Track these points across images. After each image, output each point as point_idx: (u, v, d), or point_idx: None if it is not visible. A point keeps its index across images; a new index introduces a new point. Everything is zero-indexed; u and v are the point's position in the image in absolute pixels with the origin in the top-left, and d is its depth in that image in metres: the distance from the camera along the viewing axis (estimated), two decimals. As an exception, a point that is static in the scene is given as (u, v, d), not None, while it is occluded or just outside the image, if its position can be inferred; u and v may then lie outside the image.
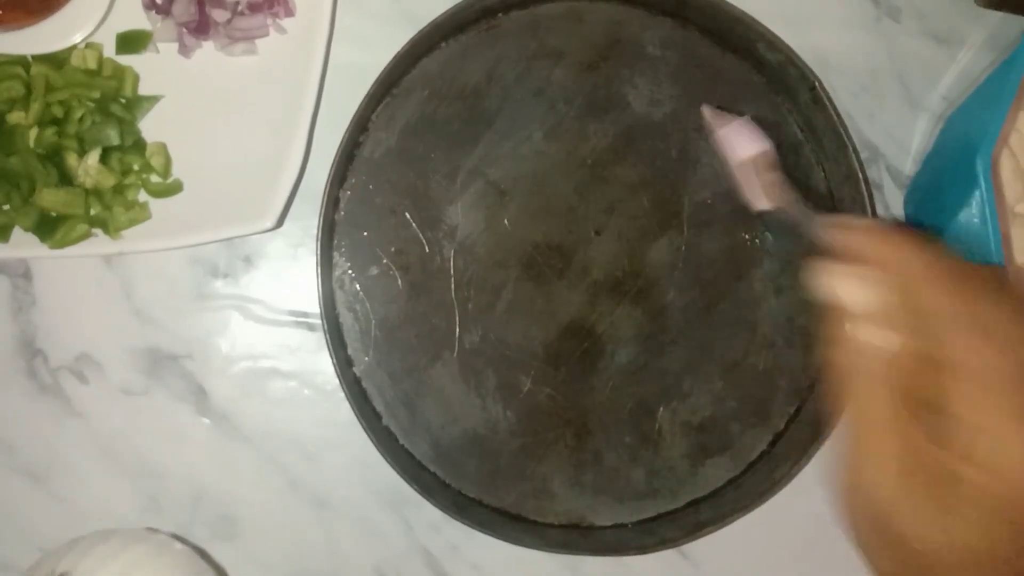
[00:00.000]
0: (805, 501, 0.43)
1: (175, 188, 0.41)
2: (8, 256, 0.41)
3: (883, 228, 0.29)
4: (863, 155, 0.47)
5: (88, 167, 0.40)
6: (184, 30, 0.41)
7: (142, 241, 0.41)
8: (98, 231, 0.41)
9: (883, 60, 0.49)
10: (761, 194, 0.35)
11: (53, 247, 0.40)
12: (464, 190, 0.42)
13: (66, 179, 0.40)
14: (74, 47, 0.41)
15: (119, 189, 0.41)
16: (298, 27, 0.41)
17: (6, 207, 0.40)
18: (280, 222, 0.40)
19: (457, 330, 0.42)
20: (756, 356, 0.43)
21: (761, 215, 0.35)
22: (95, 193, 0.40)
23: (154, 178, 0.41)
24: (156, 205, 0.41)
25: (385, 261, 0.42)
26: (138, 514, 0.43)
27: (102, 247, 0.41)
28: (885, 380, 0.27)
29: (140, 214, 0.41)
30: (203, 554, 0.42)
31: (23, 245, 0.41)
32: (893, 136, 0.48)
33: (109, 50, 0.42)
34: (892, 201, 0.48)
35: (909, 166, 0.48)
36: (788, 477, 0.42)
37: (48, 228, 0.40)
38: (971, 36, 0.48)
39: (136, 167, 0.41)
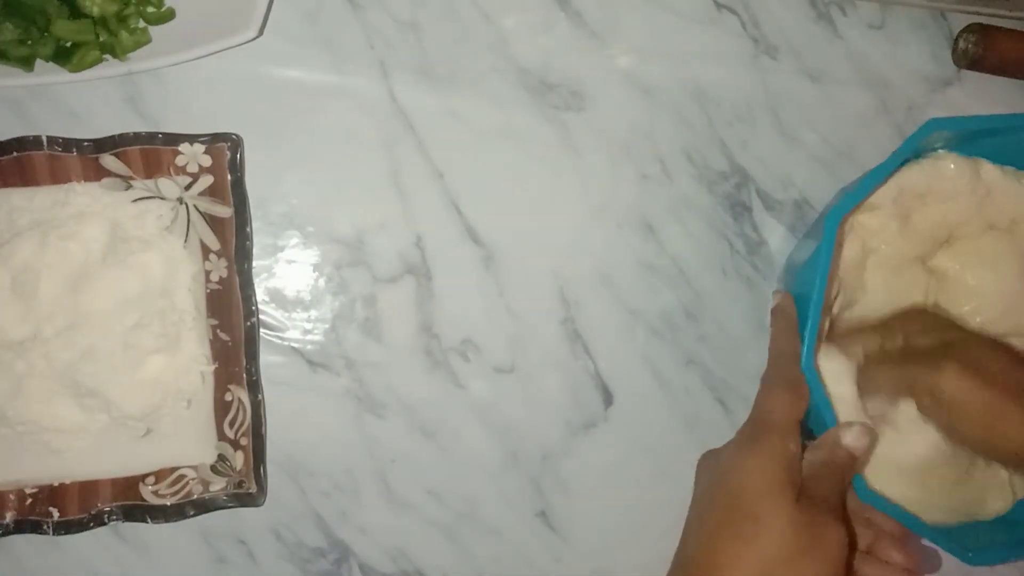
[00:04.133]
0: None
1: (168, 15, 0.49)
2: (35, 83, 0.49)
3: None
4: (734, 180, 0.54)
5: (94, -2, 0.47)
6: None
7: (146, 61, 0.48)
8: (108, 57, 0.49)
9: (758, 93, 0.54)
10: None
11: (72, 71, 0.48)
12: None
13: (76, 12, 0.48)
14: None
15: (122, 18, 0.48)
16: None
17: (28, 42, 0.48)
18: (260, 32, 0.48)
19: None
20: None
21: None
22: (101, 22, 0.48)
23: (150, 8, 0.49)
24: (155, 30, 0.49)
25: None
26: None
27: (113, 69, 0.48)
28: None
29: (142, 37, 0.48)
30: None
31: (46, 73, 0.48)
32: (763, 162, 0.55)
33: None
34: (759, 221, 0.55)
35: (777, 190, 0.55)
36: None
37: (65, 56, 0.48)
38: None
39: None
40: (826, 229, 0.44)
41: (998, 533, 0.49)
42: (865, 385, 0.47)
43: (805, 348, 0.44)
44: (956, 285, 0.51)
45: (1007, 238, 0.51)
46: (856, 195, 0.45)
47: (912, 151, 0.46)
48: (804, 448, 0.44)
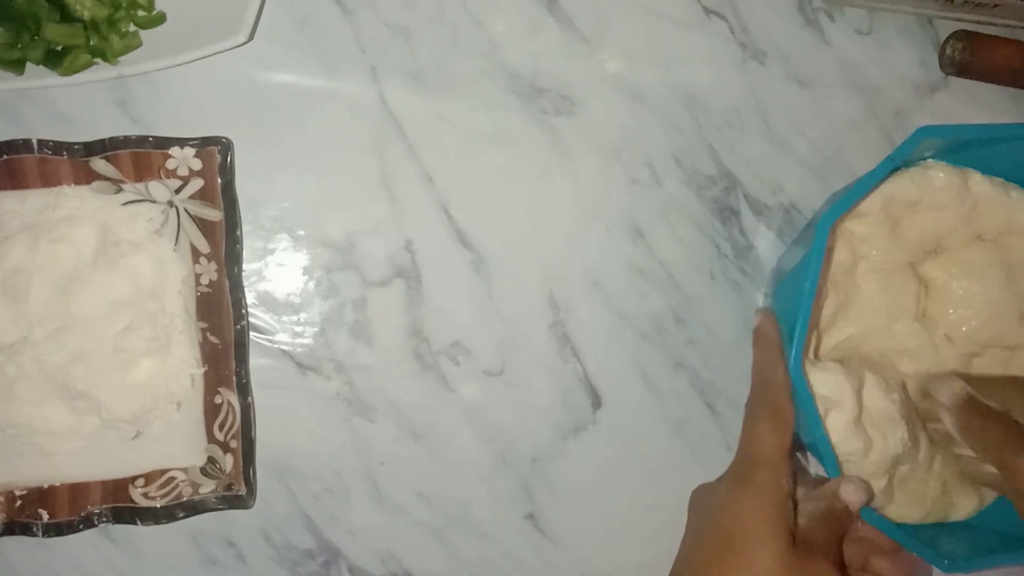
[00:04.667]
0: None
1: (159, 19, 0.49)
2: (25, 86, 0.49)
3: None
4: (722, 185, 0.54)
5: (84, 1, 0.48)
6: None
7: (137, 65, 0.48)
8: (99, 60, 0.49)
9: (747, 98, 0.55)
10: None
11: (62, 75, 0.48)
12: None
13: (66, 15, 0.48)
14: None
15: (112, 22, 0.48)
16: None
17: (18, 46, 0.48)
18: (251, 36, 0.48)
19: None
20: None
21: None
22: (92, 25, 0.48)
23: (140, 12, 0.49)
24: (145, 34, 0.49)
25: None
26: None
27: (104, 73, 0.48)
28: None
29: (133, 41, 0.48)
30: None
31: (36, 77, 0.49)
32: (752, 167, 0.55)
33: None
34: (747, 225, 0.55)
35: (766, 195, 0.55)
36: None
37: (55, 59, 0.48)
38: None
39: (124, 3, 0.49)
40: (816, 235, 0.44)
41: (975, 541, 0.49)
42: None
43: (793, 353, 0.45)
44: (943, 294, 0.51)
45: (993, 249, 0.51)
46: (846, 201, 0.45)
47: (902, 159, 0.46)
48: (795, 477, 0.44)
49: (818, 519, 0.43)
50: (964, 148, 0.49)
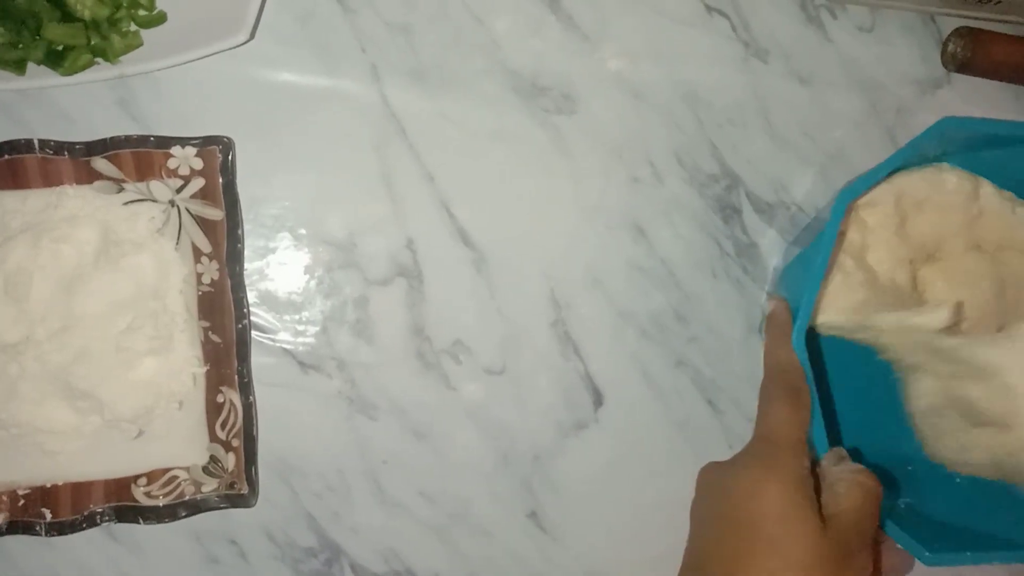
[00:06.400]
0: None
1: (160, 18, 0.49)
2: (27, 86, 0.49)
3: None
4: (724, 183, 0.54)
5: (85, 1, 0.48)
6: None
7: (138, 64, 0.48)
8: (100, 60, 0.49)
9: (749, 96, 0.55)
10: None
11: (63, 74, 0.48)
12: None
13: (67, 15, 0.48)
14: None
15: (113, 21, 0.48)
16: None
17: (19, 46, 0.48)
18: (252, 35, 0.48)
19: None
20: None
21: None
22: (93, 25, 0.48)
23: (141, 12, 0.49)
24: (146, 33, 0.49)
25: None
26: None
27: (105, 72, 0.48)
28: None
29: (134, 40, 0.48)
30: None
31: (38, 77, 0.49)
32: (753, 165, 0.55)
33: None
34: (749, 223, 0.55)
35: (768, 193, 0.55)
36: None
37: (56, 59, 0.48)
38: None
39: (125, 3, 0.49)
40: (833, 211, 0.44)
41: (953, 538, 0.49)
42: None
43: (797, 325, 0.45)
44: (933, 299, 0.51)
45: (989, 261, 0.51)
46: (864, 182, 0.45)
47: (924, 147, 0.46)
48: (812, 460, 0.44)
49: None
50: (979, 147, 0.49)
